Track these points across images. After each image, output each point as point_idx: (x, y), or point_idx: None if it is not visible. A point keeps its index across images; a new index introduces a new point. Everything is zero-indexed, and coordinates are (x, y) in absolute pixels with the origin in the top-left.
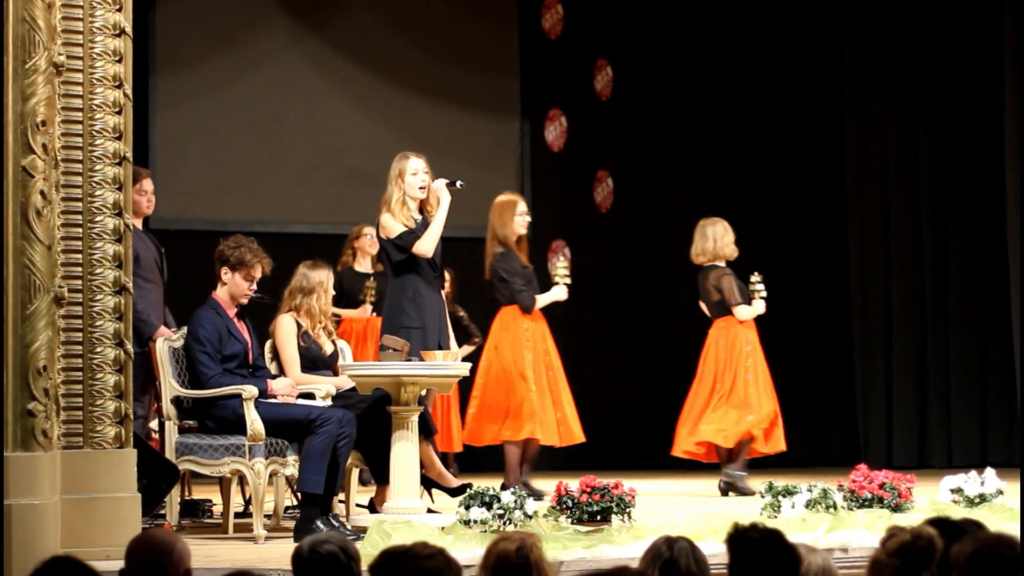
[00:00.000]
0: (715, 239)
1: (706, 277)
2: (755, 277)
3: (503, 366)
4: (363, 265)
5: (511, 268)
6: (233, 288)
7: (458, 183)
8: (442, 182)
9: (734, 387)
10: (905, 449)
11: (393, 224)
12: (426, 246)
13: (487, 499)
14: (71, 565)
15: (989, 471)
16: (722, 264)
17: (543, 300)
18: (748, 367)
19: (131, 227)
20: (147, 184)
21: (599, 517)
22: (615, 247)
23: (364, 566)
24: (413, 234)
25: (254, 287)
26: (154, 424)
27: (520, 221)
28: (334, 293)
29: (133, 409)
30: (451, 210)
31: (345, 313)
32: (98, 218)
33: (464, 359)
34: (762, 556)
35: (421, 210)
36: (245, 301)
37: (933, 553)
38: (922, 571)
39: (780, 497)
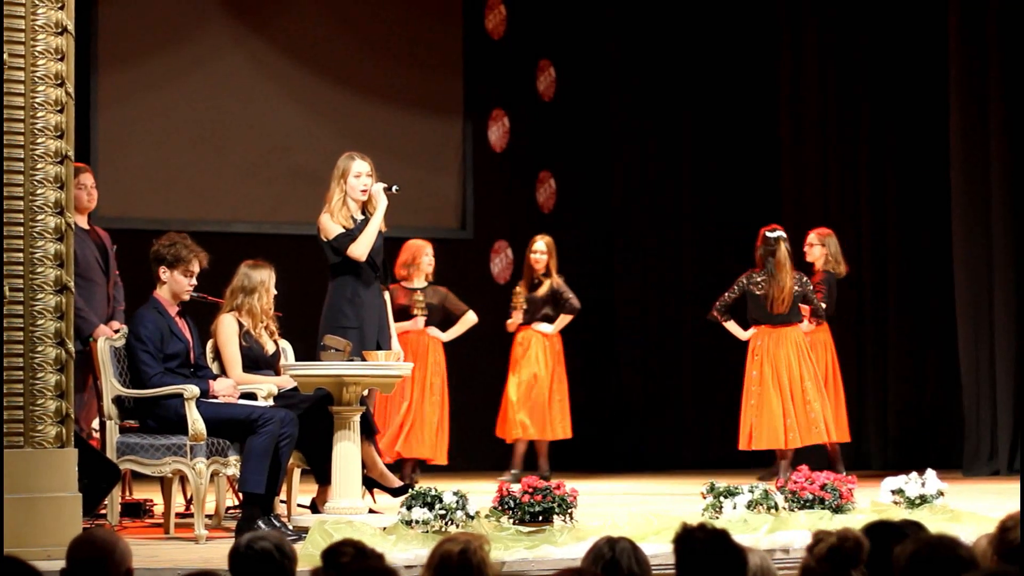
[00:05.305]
0: None
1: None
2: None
3: None
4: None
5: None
6: (174, 285)
7: (394, 188)
8: (380, 186)
9: None
10: (845, 449)
11: (331, 226)
12: (359, 250)
13: (429, 499)
14: (13, 565)
15: (930, 472)
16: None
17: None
18: None
19: (72, 226)
20: (85, 178)
21: (541, 518)
22: (557, 248)
23: (303, 566)
24: (349, 236)
25: (194, 282)
26: (95, 424)
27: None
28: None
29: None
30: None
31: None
32: (39, 217)
33: None
34: (709, 557)
35: (365, 210)
36: (187, 297)
37: (860, 553)
38: (851, 571)
39: (722, 498)
